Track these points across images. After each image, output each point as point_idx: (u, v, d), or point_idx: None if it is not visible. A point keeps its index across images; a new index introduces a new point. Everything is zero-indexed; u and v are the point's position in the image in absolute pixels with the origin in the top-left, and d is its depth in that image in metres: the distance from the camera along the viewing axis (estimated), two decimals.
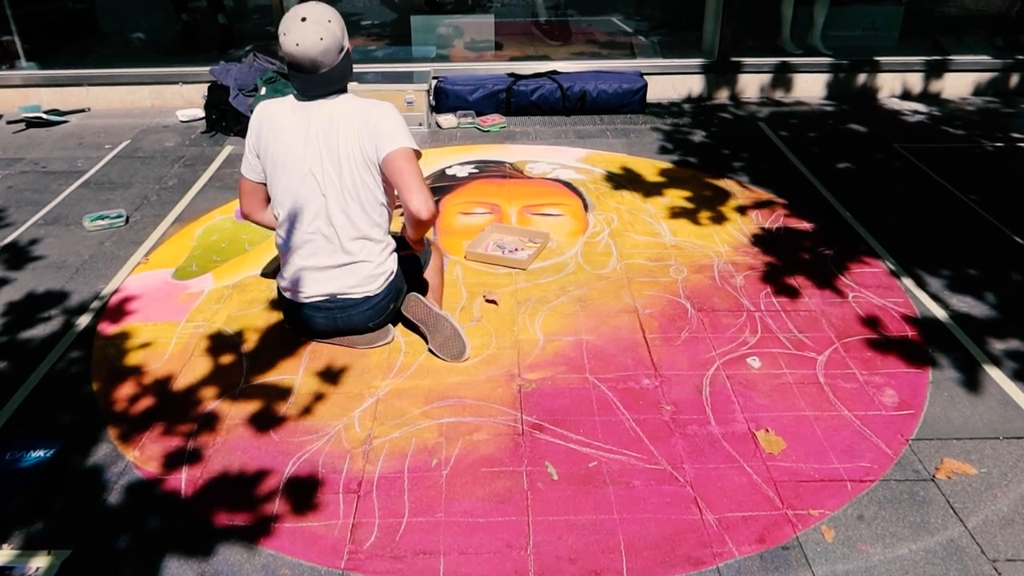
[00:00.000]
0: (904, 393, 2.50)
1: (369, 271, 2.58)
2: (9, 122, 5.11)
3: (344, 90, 2.49)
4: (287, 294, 2.67)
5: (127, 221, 3.70)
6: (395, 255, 2.67)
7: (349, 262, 2.56)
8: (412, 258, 2.81)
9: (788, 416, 2.40)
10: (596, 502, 2.08)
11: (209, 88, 4.94)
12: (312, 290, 2.60)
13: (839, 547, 1.95)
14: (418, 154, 2.47)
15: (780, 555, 1.93)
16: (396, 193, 2.51)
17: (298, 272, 2.60)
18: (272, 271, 3.15)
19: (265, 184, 2.59)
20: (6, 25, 5.63)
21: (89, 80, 5.39)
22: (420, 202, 2.40)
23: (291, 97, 2.50)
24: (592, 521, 2.03)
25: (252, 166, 2.58)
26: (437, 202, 3.83)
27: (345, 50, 2.42)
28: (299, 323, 2.73)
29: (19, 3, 5.64)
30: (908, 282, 3.13)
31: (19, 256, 3.40)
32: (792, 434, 2.32)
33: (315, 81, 2.40)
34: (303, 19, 2.31)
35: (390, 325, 2.74)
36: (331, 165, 2.45)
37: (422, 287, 2.83)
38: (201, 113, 5.07)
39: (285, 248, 2.61)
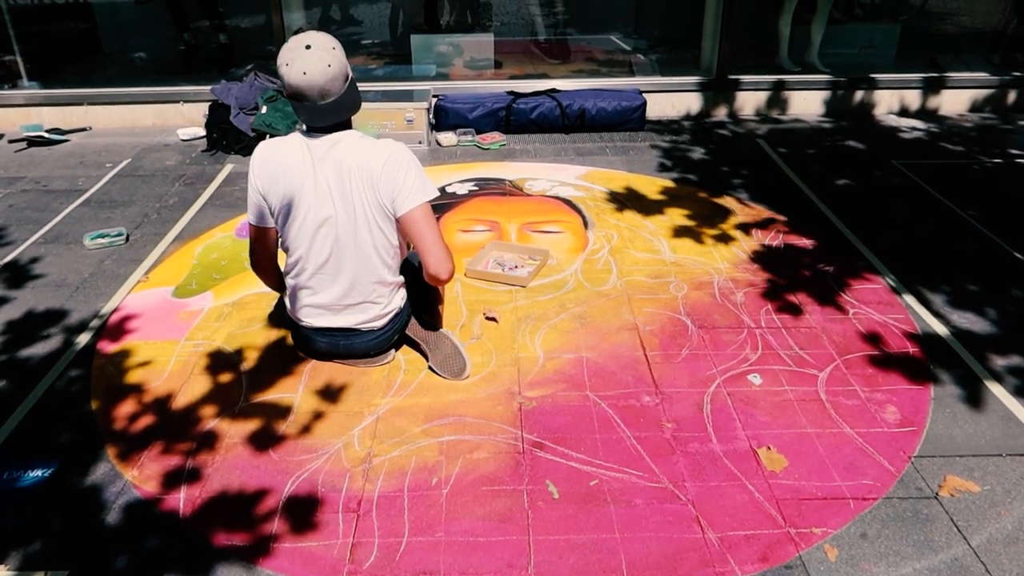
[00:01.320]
0: (906, 410, 2.49)
1: (378, 311, 2.59)
2: (11, 141, 5.13)
3: (350, 123, 2.43)
4: (291, 316, 2.68)
5: (127, 239, 3.71)
6: (404, 291, 2.67)
7: (359, 302, 2.55)
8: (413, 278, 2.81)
9: (790, 433, 2.39)
10: (597, 521, 2.07)
11: (210, 107, 4.96)
12: (318, 322, 2.61)
13: (842, 566, 1.93)
14: (434, 200, 2.46)
15: (783, 574, 1.92)
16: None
17: (306, 307, 2.59)
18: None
19: (273, 228, 2.50)
20: (8, 45, 5.66)
21: (90, 99, 5.42)
22: (438, 263, 2.41)
23: (294, 137, 2.41)
24: (593, 540, 2.01)
25: (260, 210, 2.46)
26: (437, 219, 3.82)
27: (350, 78, 2.37)
28: (301, 340, 2.74)
29: (22, 23, 5.68)
30: (909, 298, 3.13)
31: (19, 274, 3.40)
32: (794, 451, 2.31)
33: (323, 110, 2.31)
34: (307, 47, 2.24)
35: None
36: (345, 215, 2.38)
37: (424, 306, 2.84)
38: (202, 132, 5.09)
39: (294, 285, 2.58)
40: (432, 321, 2.76)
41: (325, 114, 2.33)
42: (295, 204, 2.39)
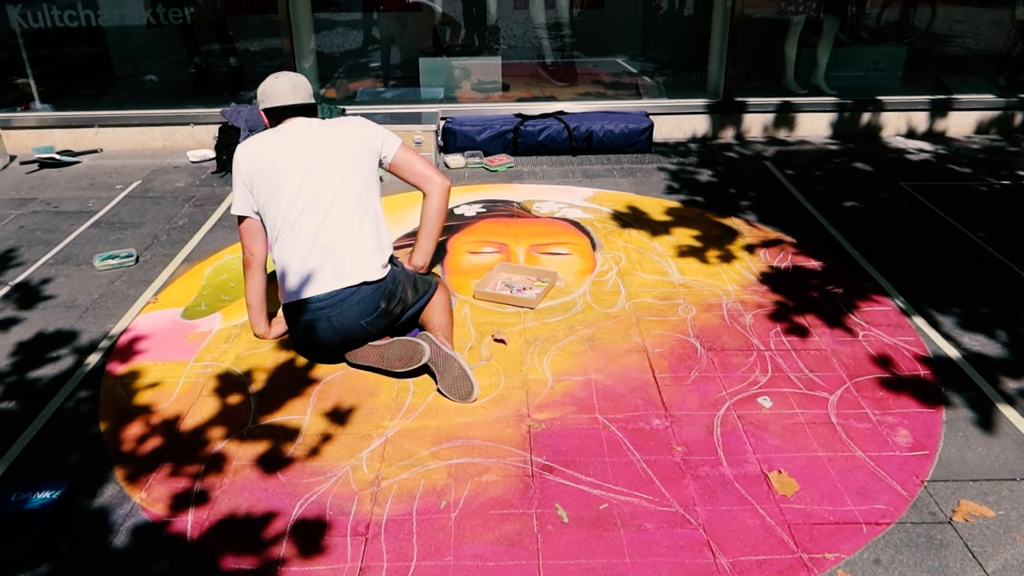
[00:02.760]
0: (918, 433, 2.47)
1: (365, 257, 2.72)
2: (23, 162, 5.17)
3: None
4: (284, 300, 2.77)
5: (137, 260, 3.72)
6: (391, 264, 2.82)
7: (339, 240, 2.70)
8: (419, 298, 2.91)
9: (801, 457, 2.37)
10: (607, 545, 2.05)
11: (220, 129, 5.00)
12: (306, 290, 2.69)
13: None
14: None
15: None
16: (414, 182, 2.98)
17: (292, 273, 2.70)
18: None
19: (259, 219, 2.82)
20: (22, 68, 5.73)
21: (102, 121, 5.47)
22: (437, 178, 2.97)
23: (270, 131, 2.83)
24: (604, 565, 1.99)
25: (245, 201, 2.78)
26: (445, 242, 3.84)
27: (315, 104, 2.90)
28: (303, 339, 2.80)
29: (35, 46, 5.75)
30: (919, 321, 3.12)
31: (30, 295, 3.42)
32: (805, 475, 2.29)
33: (295, 107, 2.81)
34: (276, 75, 2.84)
35: (422, 344, 2.65)
36: (330, 168, 2.73)
37: (430, 324, 2.86)
38: (212, 154, 5.12)
39: (280, 257, 2.74)
40: (439, 342, 2.74)
41: (295, 109, 2.82)
42: (278, 173, 2.72)
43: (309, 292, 2.69)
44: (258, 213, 2.79)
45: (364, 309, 2.70)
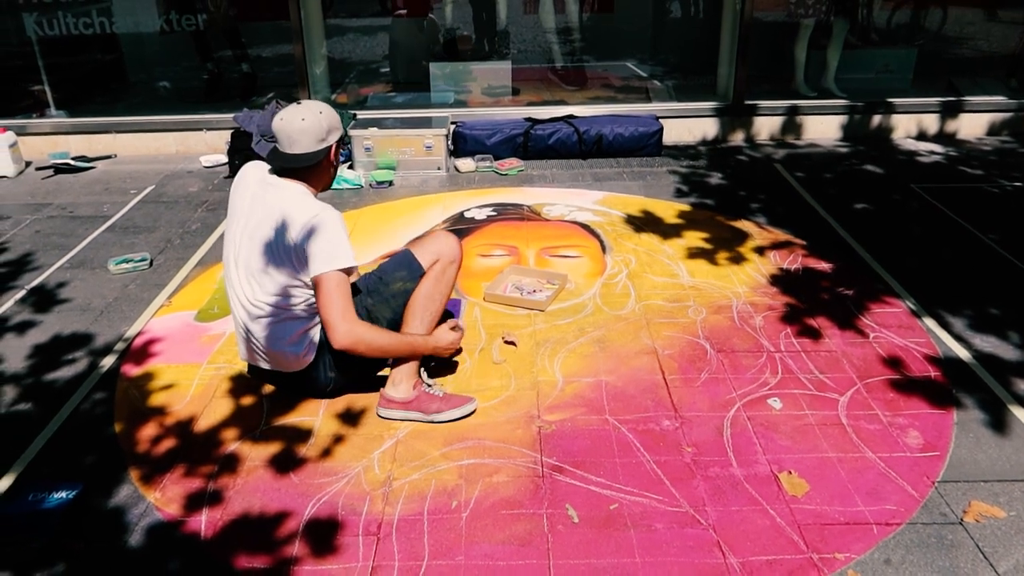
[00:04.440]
0: (929, 434, 2.47)
1: (283, 348, 2.49)
2: (38, 168, 5.23)
3: (308, 182, 2.47)
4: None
5: (151, 264, 3.76)
6: (312, 336, 2.53)
7: (264, 335, 2.49)
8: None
9: (811, 458, 2.37)
10: (617, 545, 2.06)
11: (232, 134, 5.05)
12: (252, 359, 2.62)
13: None
14: (349, 272, 2.40)
15: None
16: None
17: (238, 335, 2.61)
18: None
19: None
20: (37, 75, 5.80)
21: (116, 127, 5.53)
22: (328, 330, 2.37)
23: (265, 169, 2.52)
24: (614, 565, 2.00)
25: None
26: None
27: (326, 145, 2.45)
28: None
29: (50, 54, 5.82)
30: (930, 322, 3.11)
31: (46, 299, 3.46)
32: (815, 476, 2.29)
33: (284, 157, 2.43)
34: (298, 103, 2.46)
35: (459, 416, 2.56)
36: (250, 245, 2.42)
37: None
38: (224, 159, 5.17)
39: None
40: (401, 410, 2.56)
41: (285, 160, 2.44)
42: (230, 226, 2.52)
43: (250, 360, 2.63)
44: None
45: (309, 390, 2.64)
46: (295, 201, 2.39)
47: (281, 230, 2.36)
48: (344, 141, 5.06)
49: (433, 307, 2.60)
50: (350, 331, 2.36)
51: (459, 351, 2.86)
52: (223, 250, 2.58)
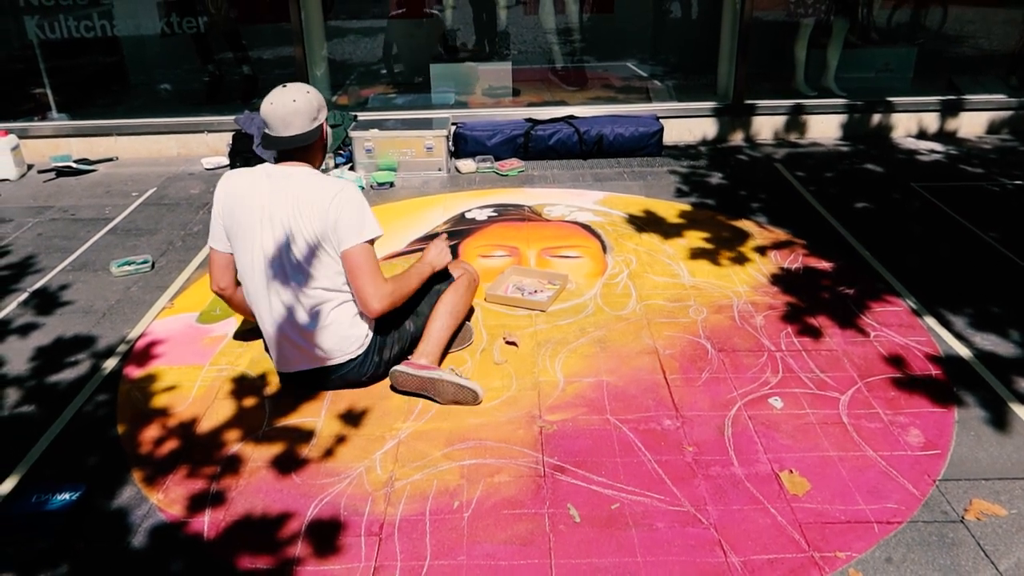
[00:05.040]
0: (929, 433, 2.47)
1: (343, 332, 2.58)
2: (40, 171, 5.24)
3: (309, 162, 2.55)
4: (277, 367, 2.72)
5: (153, 266, 3.77)
6: (364, 318, 2.63)
7: (318, 327, 2.56)
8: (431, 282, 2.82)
9: (812, 457, 2.37)
10: (619, 544, 2.07)
11: (233, 136, 5.06)
12: (293, 364, 2.64)
13: None
14: (371, 242, 2.51)
15: None
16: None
17: (275, 343, 2.62)
18: (246, 331, 3.10)
19: (229, 253, 2.61)
20: (39, 78, 5.81)
21: (117, 130, 5.54)
22: (366, 300, 2.51)
23: (259, 168, 2.54)
24: (615, 564, 2.01)
25: (217, 235, 2.59)
26: (457, 245, 3.87)
27: (318, 123, 2.52)
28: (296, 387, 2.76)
29: (52, 57, 5.83)
30: (930, 320, 3.12)
31: (48, 301, 3.47)
32: (816, 475, 2.30)
33: (281, 141, 2.48)
34: (284, 86, 2.49)
35: (476, 392, 2.64)
36: (284, 241, 2.47)
37: (426, 329, 2.78)
38: (226, 161, 5.18)
39: (258, 320, 2.64)
40: (418, 371, 2.65)
41: (284, 143, 2.49)
42: (244, 227, 2.50)
43: (289, 368, 2.65)
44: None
45: (361, 372, 2.68)
46: (312, 184, 2.47)
47: (312, 215, 2.44)
48: (345, 142, 5.09)
49: (460, 311, 2.87)
50: (383, 295, 2.51)
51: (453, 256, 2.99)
52: (238, 265, 2.59)
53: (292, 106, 2.43)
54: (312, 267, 2.49)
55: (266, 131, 2.51)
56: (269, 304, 2.55)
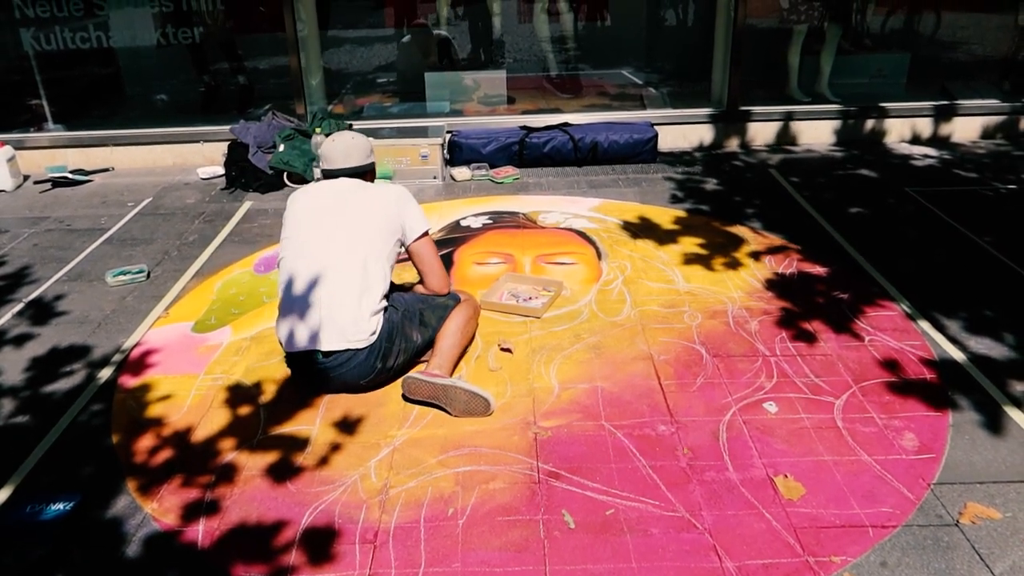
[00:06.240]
0: (924, 437, 2.48)
1: (360, 315, 2.65)
2: (36, 182, 5.25)
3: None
4: (284, 348, 2.75)
5: (148, 276, 3.77)
6: (382, 316, 2.73)
7: (334, 305, 2.64)
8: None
9: (807, 461, 2.38)
10: (614, 550, 2.06)
11: (229, 146, 5.07)
12: (303, 344, 2.66)
13: None
14: (440, 235, 2.93)
15: None
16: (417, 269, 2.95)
17: (293, 324, 2.67)
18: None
19: None
20: (35, 89, 5.82)
21: (113, 141, 5.55)
22: (438, 281, 2.93)
23: (322, 183, 2.88)
24: (610, 570, 2.01)
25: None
26: (452, 252, 3.88)
27: (371, 160, 2.93)
28: (302, 384, 2.81)
29: (47, 68, 5.84)
30: (925, 325, 3.12)
31: (44, 311, 3.47)
32: (811, 479, 2.30)
33: (347, 170, 2.85)
34: (339, 132, 2.94)
35: (488, 401, 2.63)
36: (349, 231, 2.72)
37: (436, 345, 2.84)
38: (221, 170, 5.19)
39: (289, 293, 2.70)
40: (431, 379, 2.68)
41: (343, 174, 2.86)
42: (305, 219, 2.78)
43: (305, 347, 2.67)
44: None
45: (362, 372, 2.70)
46: (377, 188, 2.87)
47: (381, 207, 2.78)
48: None
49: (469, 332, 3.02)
50: (444, 276, 2.96)
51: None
52: (295, 245, 2.76)
53: (351, 142, 2.87)
54: (378, 244, 2.73)
55: (324, 167, 2.87)
56: (313, 278, 2.67)
